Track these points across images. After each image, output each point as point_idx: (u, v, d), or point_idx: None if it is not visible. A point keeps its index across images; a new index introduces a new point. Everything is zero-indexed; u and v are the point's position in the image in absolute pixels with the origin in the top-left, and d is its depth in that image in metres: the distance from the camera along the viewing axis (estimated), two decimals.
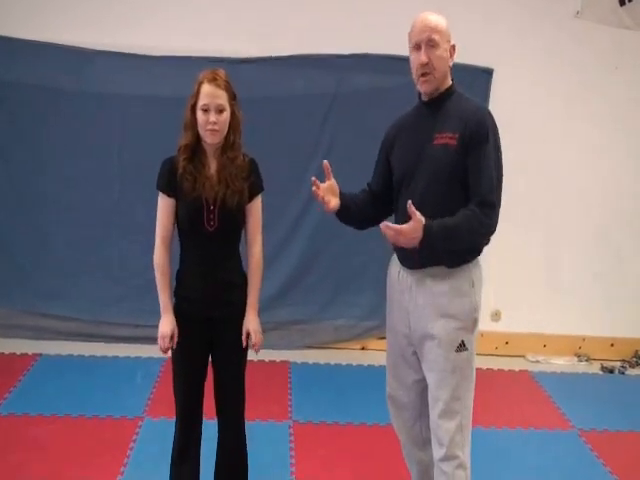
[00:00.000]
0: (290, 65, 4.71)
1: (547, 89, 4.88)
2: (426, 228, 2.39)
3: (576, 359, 5.08)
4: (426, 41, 2.55)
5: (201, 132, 2.63)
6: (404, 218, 2.53)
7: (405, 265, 2.69)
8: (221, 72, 2.64)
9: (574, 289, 5.09)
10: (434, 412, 2.63)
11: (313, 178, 2.63)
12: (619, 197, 5.06)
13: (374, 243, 4.71)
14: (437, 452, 2.64)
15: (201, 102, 2.59)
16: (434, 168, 2.56)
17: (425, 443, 2.80)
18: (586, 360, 5.07)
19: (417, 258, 2.61)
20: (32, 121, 4.72)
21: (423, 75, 2.57)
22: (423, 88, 2.61)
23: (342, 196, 2.71)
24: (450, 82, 2.65)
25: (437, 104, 2.62)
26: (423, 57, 2.55)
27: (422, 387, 2.74)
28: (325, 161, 2.68)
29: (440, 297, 2.60)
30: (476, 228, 2.48)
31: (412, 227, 2.37)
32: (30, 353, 4.59)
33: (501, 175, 2.57)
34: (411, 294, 2.66)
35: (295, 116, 4.76)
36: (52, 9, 4.64)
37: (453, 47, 2.62)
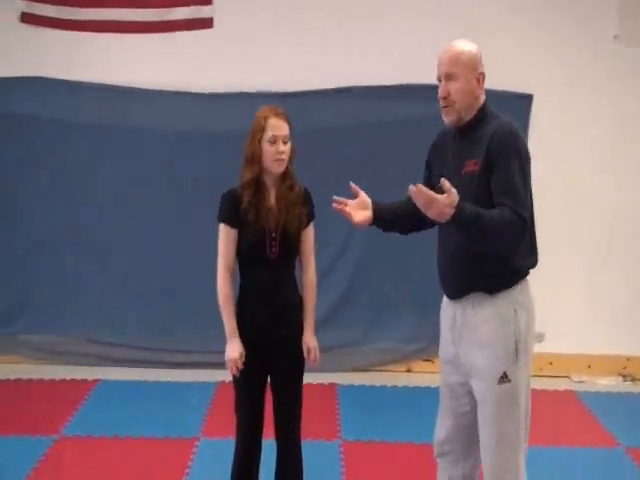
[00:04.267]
0: (334, 97, 4.92)
1: (587, 113, 4.96)
2: (459, 206, 2.35)
3: (621, 379, 5.10)
4: (444, 75, 2.57)
5: (267, 163, 2.80)
6: (446, 239, 2.61)
7: (447, 294, 2.69)
8: (279, 107, 2.86)
9: (618, 309, 5.11)
10: (482, 449, 2.59)
11: (333, 197, 2.70)
12: None
13: (416, 267, 4.87)
14: None
15: (269, 134, 2.78)
16: (462, 197, 2.43)
17: None
18: (631, 380, 5.09)
19: (455, 284, 2.61)
20: (81, 153, 5.03)
21: (444, 107, 2.60)
22: (445, 118, 2.63)
23: (377, 207, 2.75)
24: (479, 108, 2.59)
25: (466, 131, 2.60)
26: (442, 91, 2.58)
27: (467, 421, 2.67)
28: (352, 183, 2.74)
29: (480, 326, 2.55)
30: (509, 230, 2.40)
31: (446, 199, 2.33)
32: (90, 379, 4.80)
33: (530, 190, 2.50)
34: (455, 324, 2.63)
35: (340, 146, 4.95)
36: (89, 52, 4.96)
37: (482, 74, 2.58)
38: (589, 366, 5.12)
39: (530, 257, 2.61)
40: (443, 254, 2.69)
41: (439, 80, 2.62)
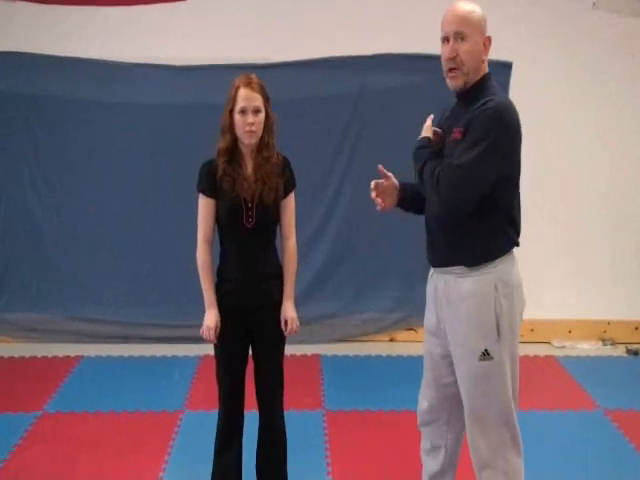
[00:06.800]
0: (313, 68, 4.87)
1: (566, 80, 4.98)
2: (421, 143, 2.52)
3: (601, 343, 5.16)
4: (454, 34, 2.42)
5: (239, 134, 2.78)
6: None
7: (431, 263, 2.63)
8: (254, 77, 2.81)
9: (597, 274, 5.17)
10: (467, 426, 2.58)
11: (373, 182, 2.63)
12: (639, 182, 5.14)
13: (398, 238, 4.89)
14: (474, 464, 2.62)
15: (239, 105, 2.75)
16: None
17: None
18: (611, 344, 5.15)
19: (436, 252, 2.56)
20: (68, 132, 4.96)
21: (450, 70, 2.45)
22: (451, 84, 2.48)
23: (403, 190, 2.67)
24: (481, 75, 2.48)
25: (465, 98, 2.49)
26: (450, 51, 2.43)
27: (450, 391, 2.65)
28: (379, 165, 2.65)
29: (460, 302, 2.49)
30: (428, 182, 2.43)
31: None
32: (72, 355, 4.80)
33: (483, 172, 2.38)
34: (438, 294, 2.59)
35: (320, 117, 4.92)
36: (65, 25, 4.87)
37: (488, 39, 2.47)
38: (570, 331, 5.18)
39: (511, 233, 2.54)
40: (428, 222, 2.64)
41: (445, 41, 2.46)
